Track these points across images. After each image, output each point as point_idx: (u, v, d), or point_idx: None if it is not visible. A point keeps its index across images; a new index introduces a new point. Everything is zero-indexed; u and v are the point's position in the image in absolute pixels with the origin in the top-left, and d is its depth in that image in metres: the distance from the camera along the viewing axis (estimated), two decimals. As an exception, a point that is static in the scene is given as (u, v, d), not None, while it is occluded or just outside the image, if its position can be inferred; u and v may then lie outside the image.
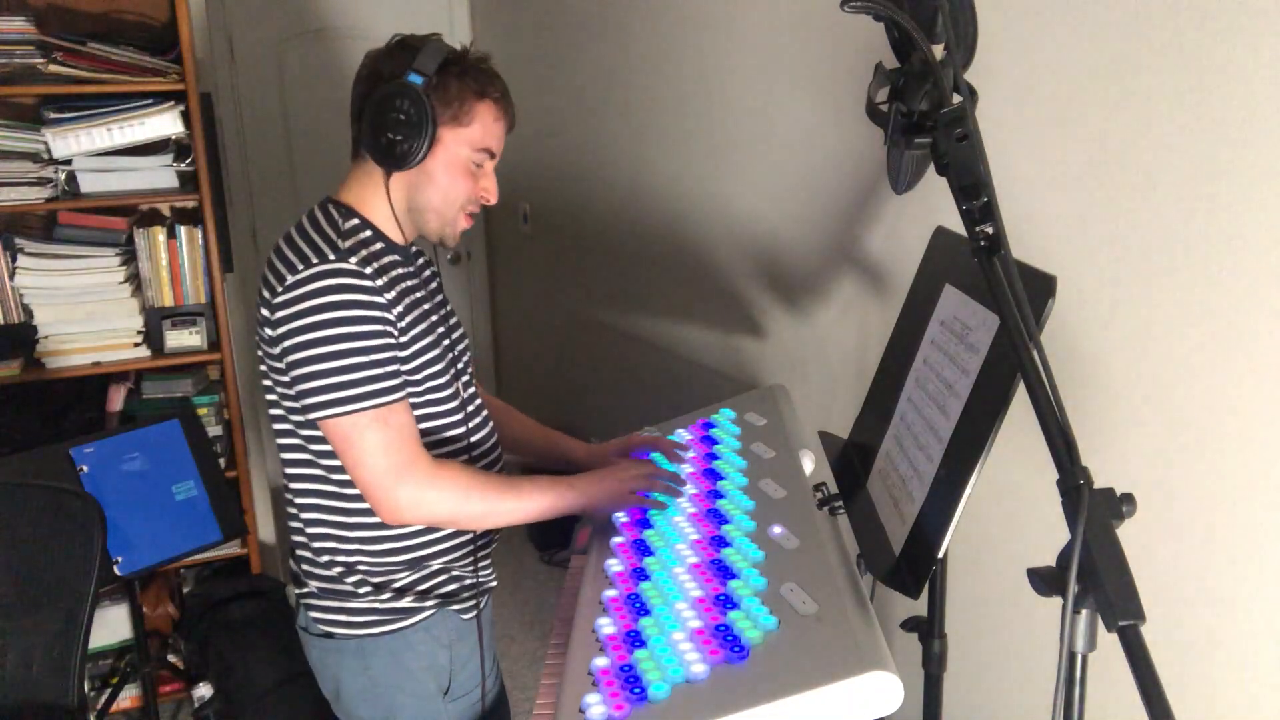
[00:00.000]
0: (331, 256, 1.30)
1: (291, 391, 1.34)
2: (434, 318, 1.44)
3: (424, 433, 1.41)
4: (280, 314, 1.30)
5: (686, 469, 1.52)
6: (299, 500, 1.43)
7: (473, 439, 1.48)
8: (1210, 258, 1.22)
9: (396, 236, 1.43)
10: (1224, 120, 1.19)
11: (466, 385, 1.50)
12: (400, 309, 1.35)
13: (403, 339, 1.35)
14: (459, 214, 1.42)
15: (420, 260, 1.53)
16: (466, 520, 1.38)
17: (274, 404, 1.41)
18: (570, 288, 3.51)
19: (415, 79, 1.32)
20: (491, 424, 1.57)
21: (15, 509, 1.83)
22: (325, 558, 1.43)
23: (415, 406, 1.39)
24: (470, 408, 1.49)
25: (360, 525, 1.40)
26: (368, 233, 1.38)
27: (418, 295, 1.42)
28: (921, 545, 1.13)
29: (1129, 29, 1.30)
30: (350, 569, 1.42)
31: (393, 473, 1.31)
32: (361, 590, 1.42)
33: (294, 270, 1.30)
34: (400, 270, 1.40)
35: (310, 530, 1.43)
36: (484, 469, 1.51)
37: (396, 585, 1.43)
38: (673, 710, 0.98)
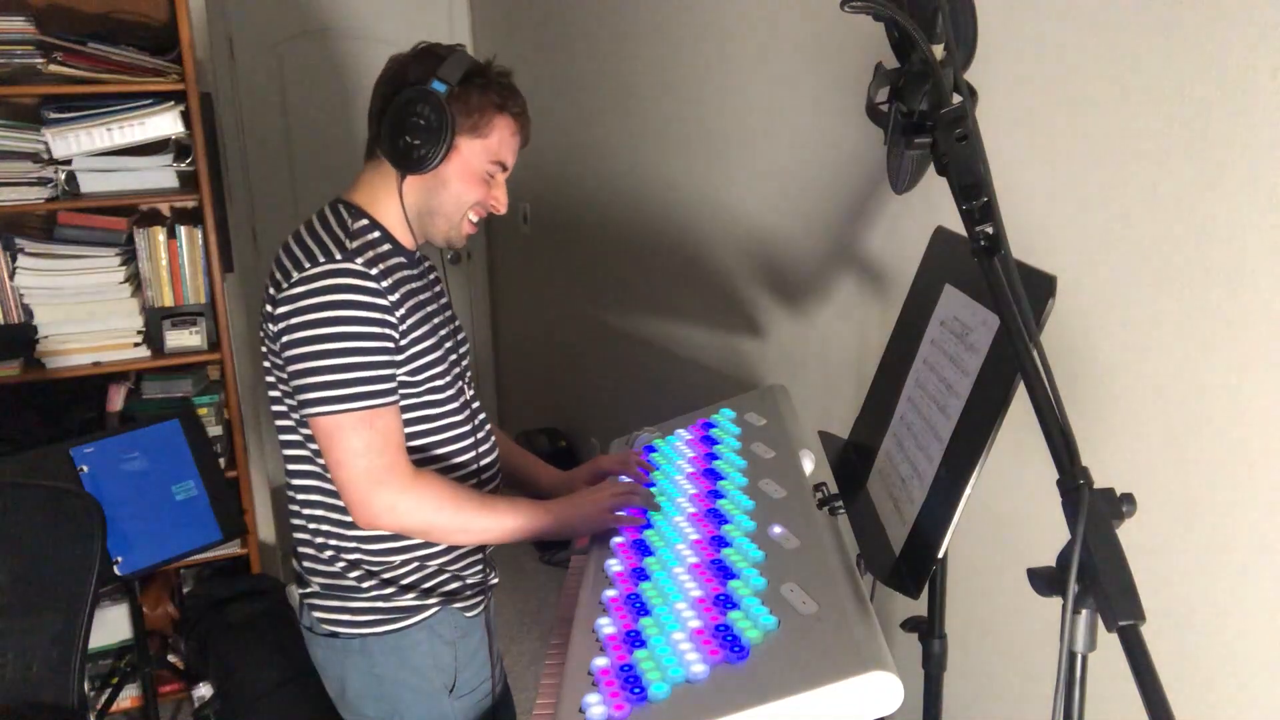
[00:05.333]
0: (338, 256, 1.31)
1: (289, 388, 1.35)
2: (436, 320, 1.45)
3: (423, 434, 1.42)
4: (283, 309, 1.31)
5: (686, 469, 1.52)
6: (300, 497, 1.44)
7: (478, 436, 1.49)
8: (1210, 258, 1.22)
9: (405, 240, 1.43)
10: (1224, 120, 1.19)
11: (468, 386, 1.50)
12: (404, 311, 1.36)
13: (404, 342, 1.36)
14: (464, 219, 1.43)
15: (425, 264, 1.53)
16: (440, 532, 1.39)
17: (276, 400, 1.42)
18: (570, 288, 3.51)
19: (439, 86, 1.33)
20: (492, 437, 1.57)
21: (15, 509, 1.83)
22: (329, 553, 1.44)
23: (414, 410, 1.40)
24: (473, 407, 1.50)
25: None
26: (376, 234, 1.39)
27: (422, 298, 1.42)
28: (921, 545, 1.12)
29: (1129, 28, 1.30)
30: (353, 564, 1.43)
31: (371, 476, 1.31)
32: (365, 585, 1.43)
33: (300, 267, 1.31)
34: (406, 273, 1.41)
35: (312, 526, 1.44)
36: (482, 482, 1.51)
37: (400, 581, 1.43)
38: (673, 710, 0.98)
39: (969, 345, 1.16)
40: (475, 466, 1.49)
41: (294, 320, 1.30)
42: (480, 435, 1.51)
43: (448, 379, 1.44)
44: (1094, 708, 0.83)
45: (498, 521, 1.38)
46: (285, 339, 1.31)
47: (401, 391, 1.37)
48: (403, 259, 1.41)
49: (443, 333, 1.45)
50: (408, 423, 1.39)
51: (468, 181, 1.40)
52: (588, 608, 1.23)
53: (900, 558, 1.16)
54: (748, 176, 2.30)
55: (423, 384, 1.40)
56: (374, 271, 1.32)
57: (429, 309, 1.43)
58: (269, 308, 1.35)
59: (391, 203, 1.40)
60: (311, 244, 1.34)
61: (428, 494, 1.34)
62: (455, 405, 1.46)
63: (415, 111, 1.33)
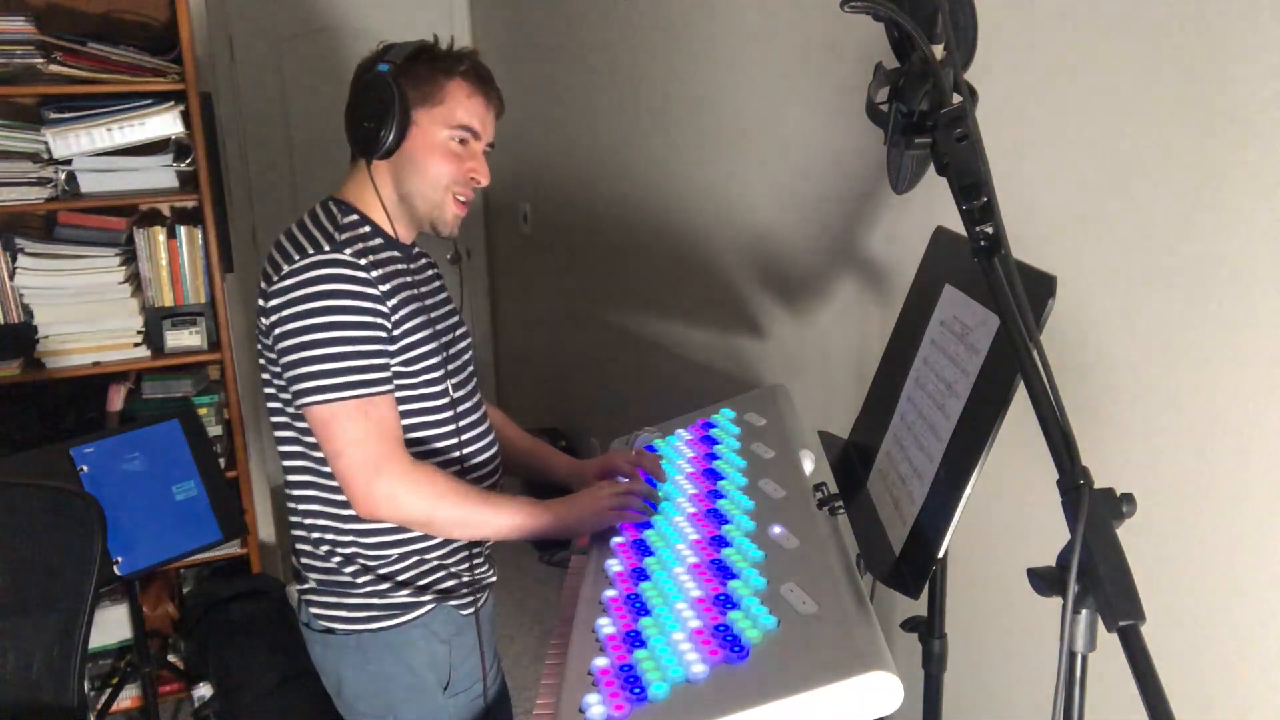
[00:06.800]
0: (326, 248, 1.32)
1: (283, 380, 1.35)
2: (432, 315, 1.45)
3: (416, 428, 1.42)
4: (274, 303, 1.32)
5: (686, 469, 1.52)
6: (296, 492, 1.45)
7: (463, 437, 1.48)
8: (1210, 258, 1.22)
9: (396, 233, 1.44)
10: (1224, 120, 1.19)
11: (459, 387, 1.49)
12: (395, 302, 1.36)
13: (396, 333, 1.36)
14: (445, 197, 1.42)
15: (422, 260, 1.53)
16: (440, 524, 1.39)
17: (271, 397, 1.42)
18: (570, 287, 3.51)
19: (383, 67, 1.36)
20: (491, 434, 1.57)
21: (15, 509, 1.83)
22: (324, 548, 1.44)
23: (408, 402, 1.40)
24: (462, 408, 1.49)
25: (356, 516, 1.40)
26: (366, 228, 1.40)
27: (416, 293, 1.43)
28: (921, 545, 1.12)
29: (1129, 28, 1.30)
30: (349, 559, 1.43)
31: (370, 465, 1.31)
32: (360, 581, 1.43)
33: (290, 261, 1.32)
34: (399, 266, 1.41)
35: (309, 522, 1.44)
36: (475, 479, 1.51)
37: (396, 577, 1.44)
38: (673, 710, 0.98)
39: (969, 345, 1.16)
40: (472, 461, 1.49)
41: (285, 312, 1.31)
42: (477, 431, 1.51)
43: (442, 372, 1.44)
44: (1094, 708, 0.83)
45: (497, 516, 1.38)
46: (278, 331, 1.32)
47: (396, 383, 1.37)
48: (396, 252, 1.42)
49: (439, 326, 1.46)
50: (403, 414, 1.39)
51: (433, 156, 1.39)
52: (588, 608, 1.23)
53: (900, 558, 1.16)
54: (748, 176, 2.30)
55: (417, 375, 1.40)
56: (363, 262, 1.33)
57: (424, 302, 1.44)
58: (261, 302, 1.36)
59: (375, 196, 1.42)
60: (301, 238, 1.35)
61: (427, 485, 1.34)
62: (444, 403, 1.46)
63: (366, 96, 1.36)
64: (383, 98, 1.34)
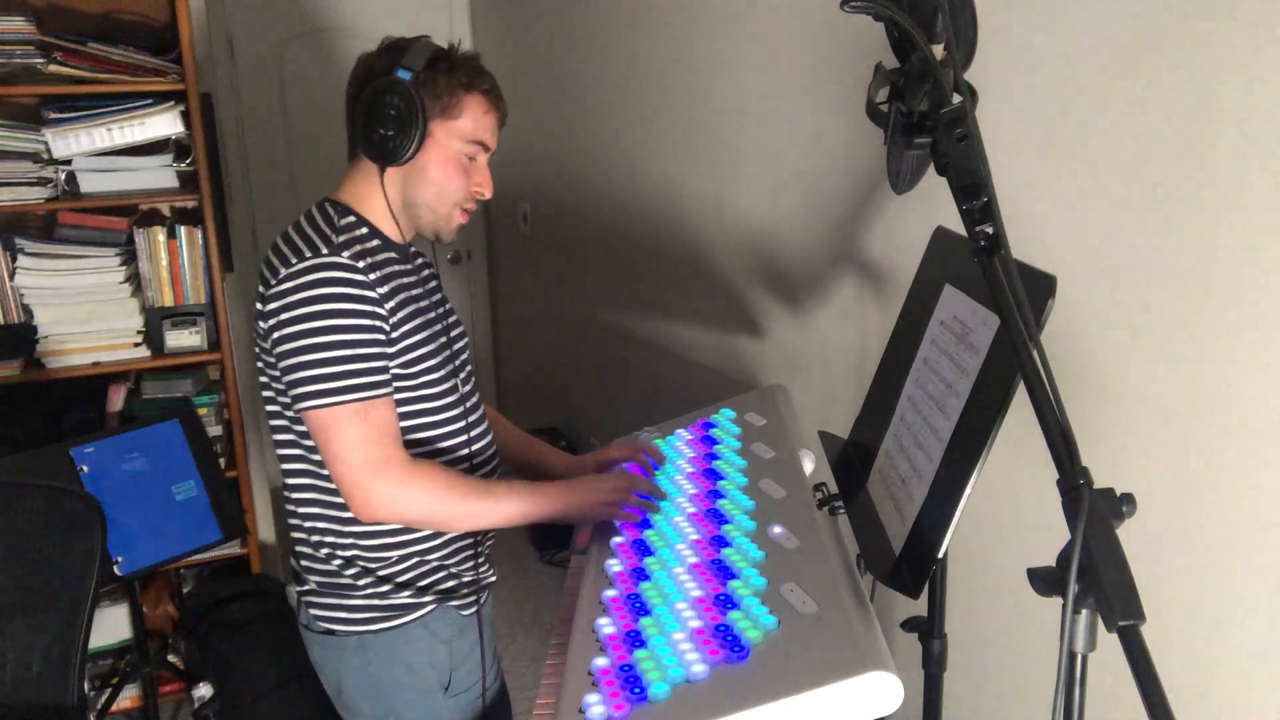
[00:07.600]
0: (324, 250, 1.32)
1: (282, 384, 1.35)
2: (430, 315, 1.45)
3: (419, 428, 1.42)
4: (272, 306, 1.32)
5: (686, 469, 1.52)
6: (295, 495, 1.44)
7: (472, 433, 1.49)
8: (1211, 258, 1.22)
9: (394, 235, 1.44)
10: (1225, 120, 1.19)
11: (465, 381, 1.50)
12: (394, 304, 1.36)
13: (395, 334, 1.36)
14: (453, 210, 1.43)
15: (418, 261, 1.53)
16: (440, 521, 1.39)
17: (270, 400, 1.42)
18: (570, 288, 3.51)
19: (404, 74, 1.35)
20: (490, 432, 1.58)
21: (15, 509, 1.83)
22: (324, 551, 1.44)
23: (409, 403, 1.40)
24: (469, 404, 1.50)
25: (355, 519, 1.40)
26: (363, 230, 1.40)
27: (414, 293, 1.43)
28: (921, 545, 1.12)
29: (1130, 28, 1.30)
30: (349, 561, 1.43)
31: (368, 468, 1.31)
32: (361, 583, 1.43)
33: (288, 264, 1.32)
34: (396, 268, 1.41)
35: (308, 524, 1.44)
36: (482, 475, 1.51)
37: (396, 579, 1.44)
38: (673, 710, 0.98)
39: (969, 345, 1.16)
40: (473, 461, 1.50)
41: (284, 316, 1.31)
42: (477, 431, 1.51)
43: (442, 372, 1.44)
44: (1094, 708, 0.83)
45: (497, 506, 1.38)
46: (276, 335, 1.32)
47: (395, 384, 1.37)
48: (393, 254, 1.42)
49: (436, 327, 1.46)
50: (402, 415, 1.40)
51: (446, 168, 1.39)
52: (588, 608, 1.23)
53: (900, 558, 1.16)
54: (748, 176, 2.30)
55: (416, 376, 1.40)
56: (361, 265, 1.33)
57: (421, 303, 1.44)
58: (260, 306, 1.36)
59: (376, 199, 1.41)
60: (299, 241, 1.35)
61: (426, 484, 1.34)
62: (451, 399, 1.46)
63: (385, 102, 1.34)
64: (402, 107, 1.33)
